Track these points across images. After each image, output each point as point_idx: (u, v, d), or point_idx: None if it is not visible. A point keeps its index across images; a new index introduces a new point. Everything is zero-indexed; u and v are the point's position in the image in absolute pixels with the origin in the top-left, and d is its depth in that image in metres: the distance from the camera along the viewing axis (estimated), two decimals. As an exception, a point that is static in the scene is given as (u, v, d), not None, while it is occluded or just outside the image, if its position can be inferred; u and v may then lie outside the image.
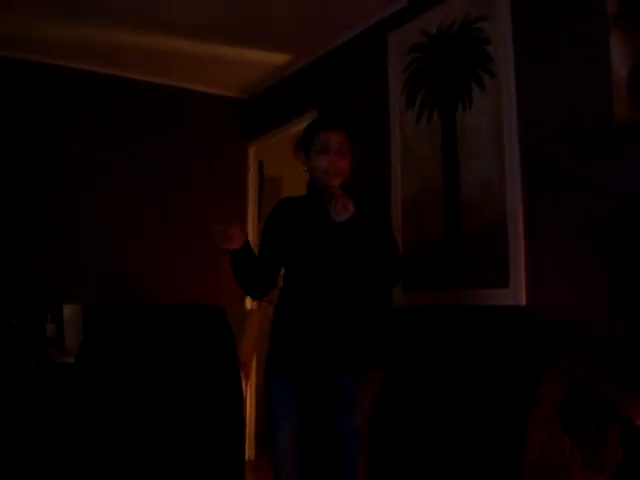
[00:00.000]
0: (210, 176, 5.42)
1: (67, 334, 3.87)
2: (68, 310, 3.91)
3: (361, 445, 2.52)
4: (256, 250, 2.74)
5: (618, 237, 2.70)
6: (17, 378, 3.26)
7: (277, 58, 4.90)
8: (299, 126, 4.90)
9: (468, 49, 3.45)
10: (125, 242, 4.95)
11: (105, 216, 4.91)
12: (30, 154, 4.72)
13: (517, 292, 3.09)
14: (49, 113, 4.81)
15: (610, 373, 2.44)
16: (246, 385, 3.96)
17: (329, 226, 2.54)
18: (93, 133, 4.96)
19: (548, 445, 2.49)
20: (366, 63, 4.28)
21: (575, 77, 2.92)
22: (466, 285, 3.38)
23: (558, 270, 2.95)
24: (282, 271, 2.79)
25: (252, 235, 5.47)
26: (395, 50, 3.96)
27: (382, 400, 2.61)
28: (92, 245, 4.81)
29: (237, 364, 3.05)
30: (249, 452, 4.98)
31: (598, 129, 2.80)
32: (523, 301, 3.07)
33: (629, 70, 2.66)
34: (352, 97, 4.36)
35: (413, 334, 3.71)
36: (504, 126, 3.21)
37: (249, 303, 5.29)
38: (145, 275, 4.92)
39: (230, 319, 2.98)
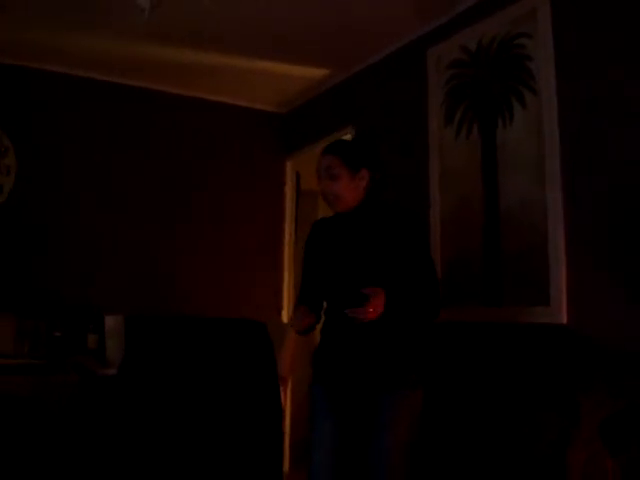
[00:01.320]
0: (248, 189, 5.46)
1: (108, 345, 3.91)
2: (110, 321, 3.96)
3: (390, 473, 2.45)
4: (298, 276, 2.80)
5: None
6: (59, 390, 3.31)
7: (315, 72, 4.92)
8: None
9: (509, 65, 3.45)
10: (166, 256, 5.01)
11: (147, 230, 4.99)
12: (73, 165, 4.80)
13: (558, 310, 3.06)
14: (86, 125, 4.90)
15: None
16: (285, 398, 3.97)
17: (347, 246, 2.62)
18: (132, 148, 5.04)
19: (591, 465, 2.47)
20: (405, 78, 4.29)
21: (618, 94, 2.90)
22: (506, 302, 3.36)
23: (599, 288, 2.92)
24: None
25: (287, 248, 5.51)
26: (434, 66, 3.97)
27: (421, 422, 2.57)
28: (134, 258, 4.88)
29: (277, 378, 3.08)
30: (285, 464, 4.99)
31: (642, 147, 2.78)
32: (564, 319, 3.04)
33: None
34: (390, 113, 4.37)
35: (451, 350, 3.69)
36: (545, 144, 3.20)
37: (286, 317, 5.31)
38: (185, 287, 4.97)
39: (269, 333, 3.01)
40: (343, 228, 2.68)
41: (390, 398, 2.51)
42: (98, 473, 2.97)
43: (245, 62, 4.72)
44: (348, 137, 4.56)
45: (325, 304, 2.73)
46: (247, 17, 3.97)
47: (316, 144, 5.24)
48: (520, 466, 3.20)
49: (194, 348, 2.86)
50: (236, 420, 2.80)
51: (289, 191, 5.65)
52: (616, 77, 2.92)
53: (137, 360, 2.94)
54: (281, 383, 3.56)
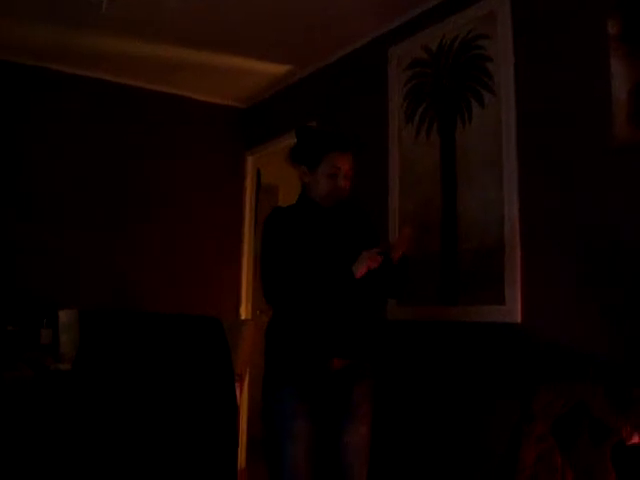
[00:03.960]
0: (207, 184, 5.43)
1: (62, 340, 3.85)
2: (64, 316, 3.89)
3: (367, 455, 2.58)
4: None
5: (614, 257, 2.72)
6: (12, 386, 3.25)
7: (277, 68, 4.91)
8: (298, 137, 4.92)
9: (468, 66, 3.48)
10: (122, 249, 4.95)
11: (102, 223, 4.91)
12: (26, 160, 4.70)
13: (513, 309, 3.10)
14: (45, 117, 4.80)
15: (604, 392, 2.45)
16: (240, 395, 3.96)
17: (328, 240, 2.61)
18: (90, 139, 4.95)
19: (541, 462, 2.51)
20: (366, 77, 4.30)
21: (575, 97, 2.95)
22: (462, 301, 3.39)
23: (554, 288, 2.97)
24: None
25: (247, 243, 5.49)
26: (396, 65, 3.99)
27: (376, 413, 2.66)
28: (88, 251, 4.80)
29: (232, 375, 3.06)
30: (241, 460, 4.99)
31: (597, 150, 2.82)
32: (519, 318, 3.08)
33: (629, 91, 2.68)
34: (351, 110, 4.38)
35: (407, 347, 3.72)
36: (503, 144, 3.23)
37: (243, 313, 5.29)
38: (141, 282, 4.92)
39: (225, 329, 2.99)
40: (329, 222, 2.68)
41: (361, 386, 2.61)
42: (52, 469, 2.93)
43: (207, 57, 4.69)
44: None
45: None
46: (208, 12, 3.94)
47: (277, 140, 5.24)
48: (473, 463, 3.23)
49: (149, 343, 2.83)
50: (190, 416, 2.78)
51: (249, 186, 5.63)
52: (573, 79, 2.96)
53: (91, 355, 2.90)
54: (237, 379, 3.55)
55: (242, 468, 4.99)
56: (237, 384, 3.53)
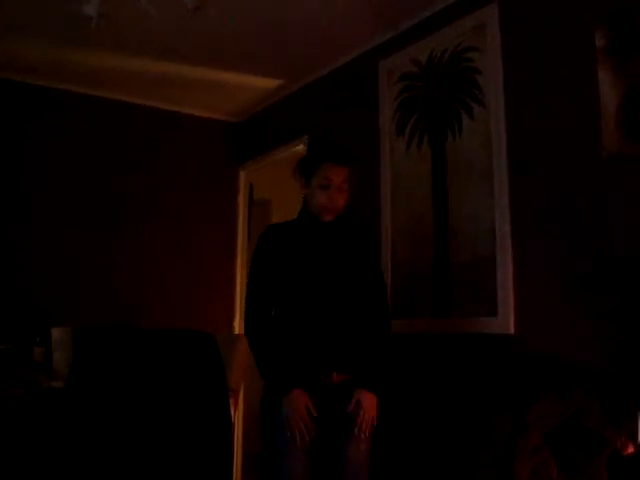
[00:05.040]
0: (200, 199, 5.42)
1: (55, 358, 3.84)
2: (57, 333, 3.89)
3: (367, 472, 2.57)
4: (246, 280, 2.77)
5: (606, 269, 2.73)
6: (5, 404, 3.23)
7: (268, 83, 4.92)
8: (289, 150, 4.94)
9: (458, 78, 3.49)
10: (114, 266, 4.93)
11: (95, 239, 4.89)
12: (23, 177, 4.70)
13: (505, 320, 3.10)
14: (41, 134, 4.80)
15: (599, 403, 2.46)
16: (235, 410, 3.95)
17: (322, 254, 2.61)
18: (83, 155, 4.95)
19: (536, 474, 2.50)
20: (357, 90, 4.32)
21: (564, 109, 2.96)
22: (455, 313, 3.39)
23: (547, 299, 2.97)
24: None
25: (240, 257, 5.49)
26: (386, 78, 4.00)
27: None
28: (82, 268, 4.79)
29: (226, 390, 3.05)
30: (236, 476, 4.98)
31: (586, 161, 2.83)
32: (512, 330, 3.08)
33: (617, 103, 2.70)
34: (342, 123, 4.39)
35: (401, 361, 3.71)
36: (494, 155, 3.24)
37: (237, 327, 5.28)
38: (134, 297, 4.91)
39: (219, 344, 2.98)
40: (326, 237, 2.68)
41: (361, 400, 2.57)
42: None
43: (198, 72, 4.70)
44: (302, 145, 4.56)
45: (283, 313, 2.70)
46: (199, 27, 3.95)
47: (269, 154, 5.25)
48: (467, 476, 3.22)
49: (142, 360, 2.82)
50: (184, 432, 2.77)
51: (242, 201, 5.63)
52: (562, 91, 2.98)
53: (85, 373, 2.89)
54: (231, 395, 3.54)
55: (238, 483, 4.98)
56: (231, 399, 3.52)
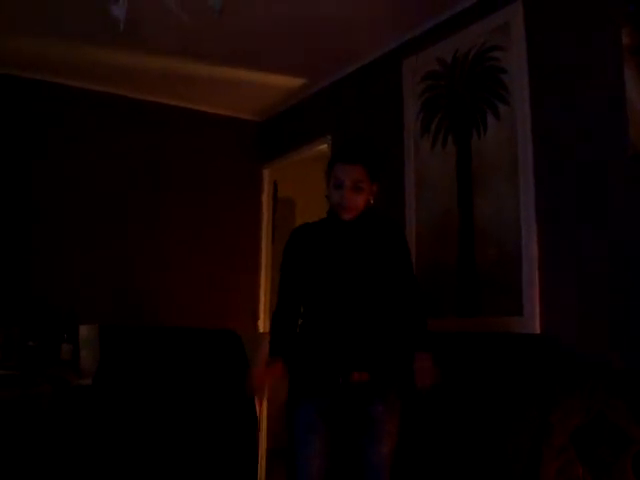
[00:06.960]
0: (225, 197, 5.45)
1: (83, 355, 3.88)
2: (84, 331, 3.93)
3: (387, 475, 2.55)
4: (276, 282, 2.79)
5: (633, 267, 2.71)
6: (33, 402, 3.27)
7: (292, 82, 4.93)
8: (313, 150, 4.95)
9: (483, 77, 3.48)
10: (142, 264, 4.98)
11: (122, 238, 4.94)
12: (48, 175, 4.76)
13: (531, 320, 3.09)
14: (62, 133, 4.86)
15: (624, 402, 2.44)
16: (260, 407, 3.96)
17: (343, 252, 2.62)
18: (110, 157, 5.00)
19: (562, 472, 2.49)
20: (381, 89, 4.32)
21: (590, 107, 2.94)
22: (481, 312, 3.38)
23: (573, 298, 2.95)
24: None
25: (264, 256, 5.50)
26: (410, 77, 4.00)
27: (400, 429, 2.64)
28: (109, 267, 4.84)
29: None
30: (261, 472, 4.99)
31: (613, 160, 2.81)
32: (538, 329, 3.07)
33: (644, 101, 2.68)
34: (367, 122, 4.40)
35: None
36: (519, 154, 3.23)
37: (262, 326, 5.30)
38: (159, 296, 4.94)
39: (244, 342, 3.01)
40: (345, 235, 2.69)
41: (383, 404, 2.58)
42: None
43: (224, 71, 4.72)
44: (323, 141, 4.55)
45: (307, 312, 2.72)
46: (222, 26, 3.96)
47: (293, 153, 5.26)
48: (493, 476, 3.21)
49: (169, 358, 2.86)
50: (210, 429, 2.80)
51: (266, 199, 5.65)
52: (588, 89, 2.96)
53: (112, 370, 2.93)
54: (256, 393, 3.56)
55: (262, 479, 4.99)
56: (256, 397, 3.53)
